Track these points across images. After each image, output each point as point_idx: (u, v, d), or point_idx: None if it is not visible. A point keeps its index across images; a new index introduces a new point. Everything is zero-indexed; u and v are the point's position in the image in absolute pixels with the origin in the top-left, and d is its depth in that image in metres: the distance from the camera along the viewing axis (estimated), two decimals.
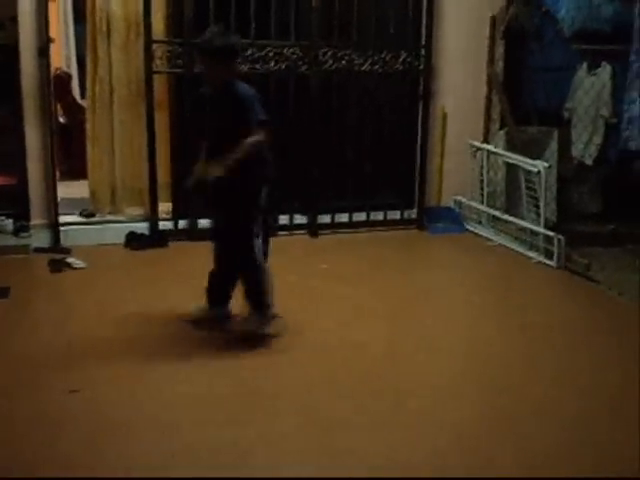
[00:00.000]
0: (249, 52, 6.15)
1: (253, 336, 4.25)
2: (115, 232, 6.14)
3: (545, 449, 3.23)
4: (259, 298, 4.30)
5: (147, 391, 3.68)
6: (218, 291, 4.45)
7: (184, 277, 5.34)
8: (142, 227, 6.23)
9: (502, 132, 6.73)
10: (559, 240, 5.78)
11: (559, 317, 4.90)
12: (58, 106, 7.65)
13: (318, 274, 4.94)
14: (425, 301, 5.20)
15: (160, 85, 6.18)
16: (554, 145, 6.48)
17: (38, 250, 5.88)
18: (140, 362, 4.00)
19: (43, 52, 5.78)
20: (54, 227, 6.00)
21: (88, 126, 6.28)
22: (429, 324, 4.72)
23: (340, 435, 3.32)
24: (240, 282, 4.34)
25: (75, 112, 8.22)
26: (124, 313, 4.69)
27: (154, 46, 6.00)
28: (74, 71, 9.03)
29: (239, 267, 4.32)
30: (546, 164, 6.08)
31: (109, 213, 6.37)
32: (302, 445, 3.24)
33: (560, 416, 3.54)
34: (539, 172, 6.03)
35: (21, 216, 6.07)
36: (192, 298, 4.49)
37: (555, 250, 5.79)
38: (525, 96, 6.90)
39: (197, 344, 4.22)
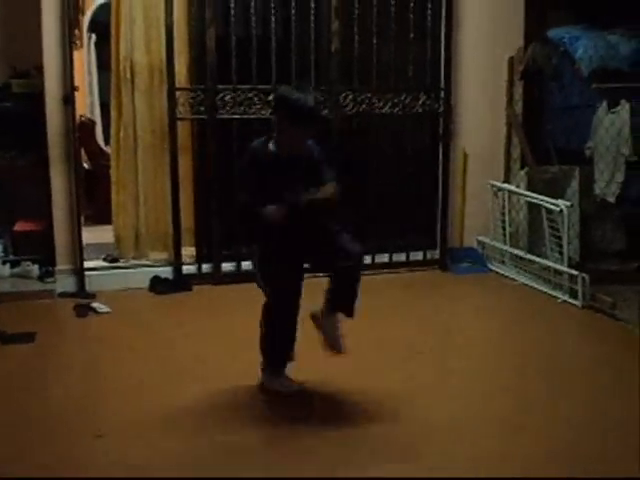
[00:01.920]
0: (271, 97, 6.23)
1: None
2: (139, 277, 6.18)
3: None
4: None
5: (174, 438, 3.66)
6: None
7: (209, 320, 5.38)
8: (166, 271, 6.26)
9: (523, 172, 6.73)
10: (583, 279, 5.74)
11: (585, 357, 4.86)
12: (82, 152, 7.76)
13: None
14: (450, 340, 5.20)
15: (183, 130, 6.25)
16: (575, 184, 6.46)
17: (63, 295, 5.93)
18: (165, 407, 3.99)
19: (68, 100, 5.88)
20: (79, 272, 6.05)
21: (112, 172, 6.36)
22: (453, 362, 4.70)
23: None
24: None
25: (99, 158, 8.35)
26: (150, 357, 4.71)
27: (177, 93, 6.10)
28: (98, 118, 9.19)
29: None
30: (568, 203, 6.06)
31: (133, 258, 6.41)
32: None
33: (582, 457, 3.50)
34: (561, 211, 6.01)
35: (46, 262, 6.14)
36: (218, 341, 4.49)
37: (579, 289, 5.75)
38: (545, 136, 6.92)
39: (224, 390, 4.20)
